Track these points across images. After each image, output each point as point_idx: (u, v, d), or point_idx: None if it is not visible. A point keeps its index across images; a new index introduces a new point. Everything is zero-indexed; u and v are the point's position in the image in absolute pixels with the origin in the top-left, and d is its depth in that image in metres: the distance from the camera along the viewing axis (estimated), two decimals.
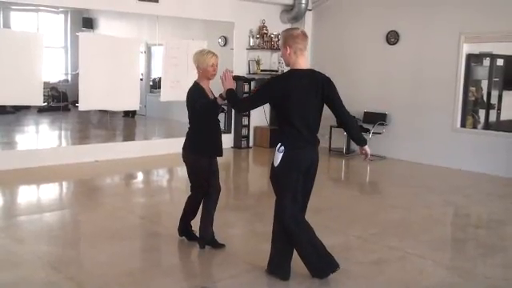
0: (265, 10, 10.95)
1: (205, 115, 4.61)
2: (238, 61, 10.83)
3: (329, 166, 9.63)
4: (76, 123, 13.18)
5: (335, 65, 10.92)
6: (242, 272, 4.23)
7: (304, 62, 4.04)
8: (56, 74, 15.22)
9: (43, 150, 9.43)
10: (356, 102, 10.40)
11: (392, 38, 9.94)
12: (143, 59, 12.87)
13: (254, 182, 8.83)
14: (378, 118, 10.00)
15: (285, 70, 4.20)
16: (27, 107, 13.75)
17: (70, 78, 15.55)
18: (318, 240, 4.11)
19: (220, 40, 12.00)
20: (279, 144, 4.00)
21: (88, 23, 15.67)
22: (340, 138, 10.23)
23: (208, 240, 4.79)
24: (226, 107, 5.03)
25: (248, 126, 10.92)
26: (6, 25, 15.08)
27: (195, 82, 4.70)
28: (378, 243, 5.18)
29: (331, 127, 10.40)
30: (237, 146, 10.84)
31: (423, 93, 9.50)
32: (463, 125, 9.23)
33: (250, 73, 10.94)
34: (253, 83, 10.67)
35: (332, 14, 11.02)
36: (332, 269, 4.16)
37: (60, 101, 13.21)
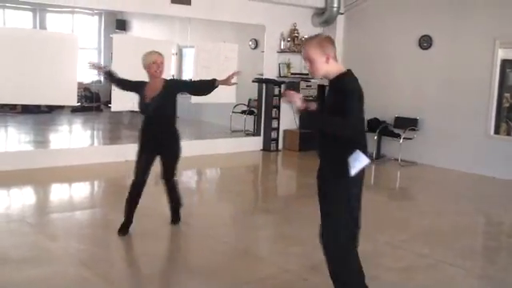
0: (296, 13, 10.94)
1: None
2: (269, 64, 10.85)
3: None
4: (108, 123, 13.38)
5: (367, 69, 10.81)
6: (270, 275, 4.22)
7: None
8: (89, 74, 15.44)
9: (76, 149, 9.62)
10: (387, 107, 10.33)
11: (425, 42, 9.81)
12: (175, 61, 12.99)
13: (283, 185, 8.82)
14: (409, 123, 9.87)
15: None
16: (61, 107, 14.01)
17: (102, 79, 15.80)
18: None
19: (251, 43, 12.04)
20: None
21: (121, 25, 15.92)
22: (369, 143, 10.10)
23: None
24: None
25: (277, 129, 10.91)
26: (43, 26, 15.42)
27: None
28: (408, 250, 5.12)
29: None
30: (266, 148, 10.83)
31: (456, 98, 9.35)
32: (497, 132, 9.04)
33: (280, 76, 10.94)
34: (283, 86, 10.68)
35: (364, 18, 10.94)
36: None
37: (93, 101, 13.42)
